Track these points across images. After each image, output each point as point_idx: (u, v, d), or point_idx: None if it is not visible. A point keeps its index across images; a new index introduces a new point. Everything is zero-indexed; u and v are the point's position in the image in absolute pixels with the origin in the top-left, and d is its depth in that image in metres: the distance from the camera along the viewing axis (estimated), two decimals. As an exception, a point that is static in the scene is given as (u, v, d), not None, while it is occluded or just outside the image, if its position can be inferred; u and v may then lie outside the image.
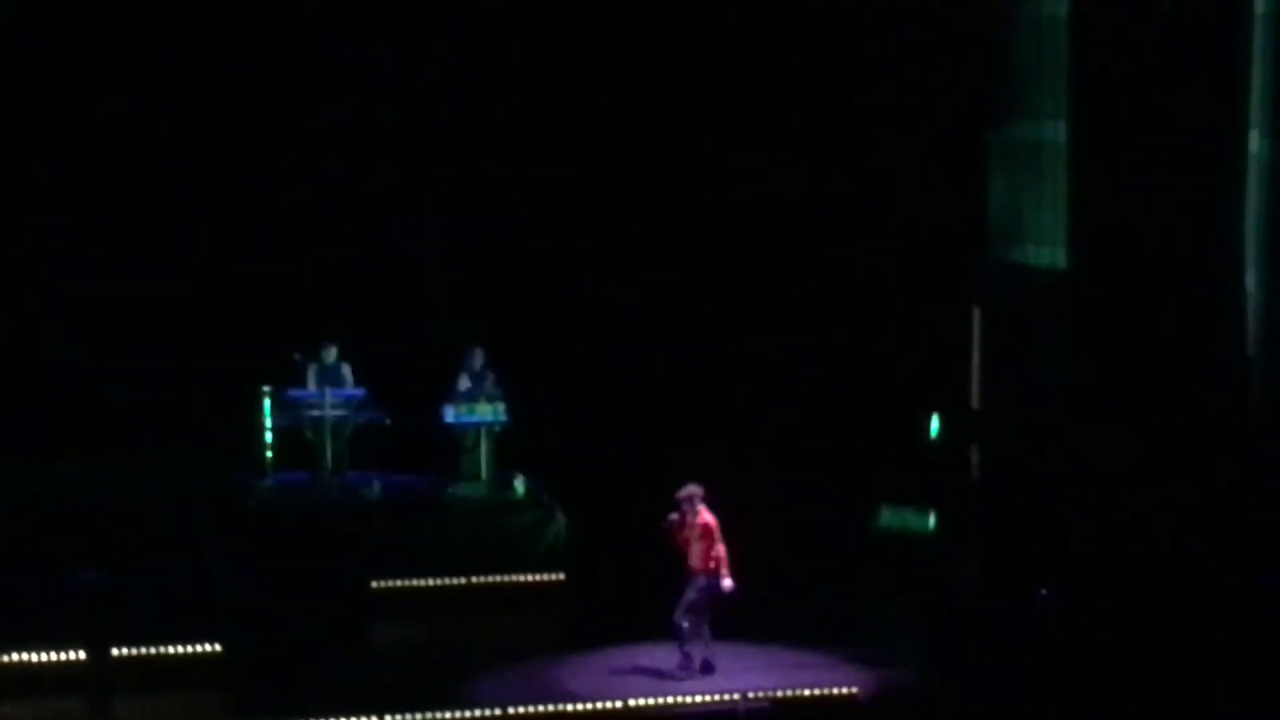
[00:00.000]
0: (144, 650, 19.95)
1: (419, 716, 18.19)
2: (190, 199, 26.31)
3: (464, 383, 24.29)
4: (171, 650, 19.98)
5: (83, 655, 19.87)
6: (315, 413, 24.15)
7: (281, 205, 26.58)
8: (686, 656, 19.65)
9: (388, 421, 24.32)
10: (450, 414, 24.28)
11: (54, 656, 19.77)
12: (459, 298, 26.28)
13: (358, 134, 27.05)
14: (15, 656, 19.67)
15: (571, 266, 26.53)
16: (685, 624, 19.57)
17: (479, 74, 26.74)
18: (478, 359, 24.38)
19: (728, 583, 19.48)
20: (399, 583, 22.72)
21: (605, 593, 22.53)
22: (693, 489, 19.81)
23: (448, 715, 18.23)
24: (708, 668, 19.65)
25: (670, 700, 18.85)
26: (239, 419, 24.40)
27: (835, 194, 26.28)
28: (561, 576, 23.37)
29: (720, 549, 19.57)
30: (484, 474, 24.36)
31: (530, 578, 23.25)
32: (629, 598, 21.50)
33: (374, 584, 22.55)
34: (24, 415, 24.45)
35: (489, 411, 24.31)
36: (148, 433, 24.75)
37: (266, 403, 24.21)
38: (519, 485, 24.32)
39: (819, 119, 26.22)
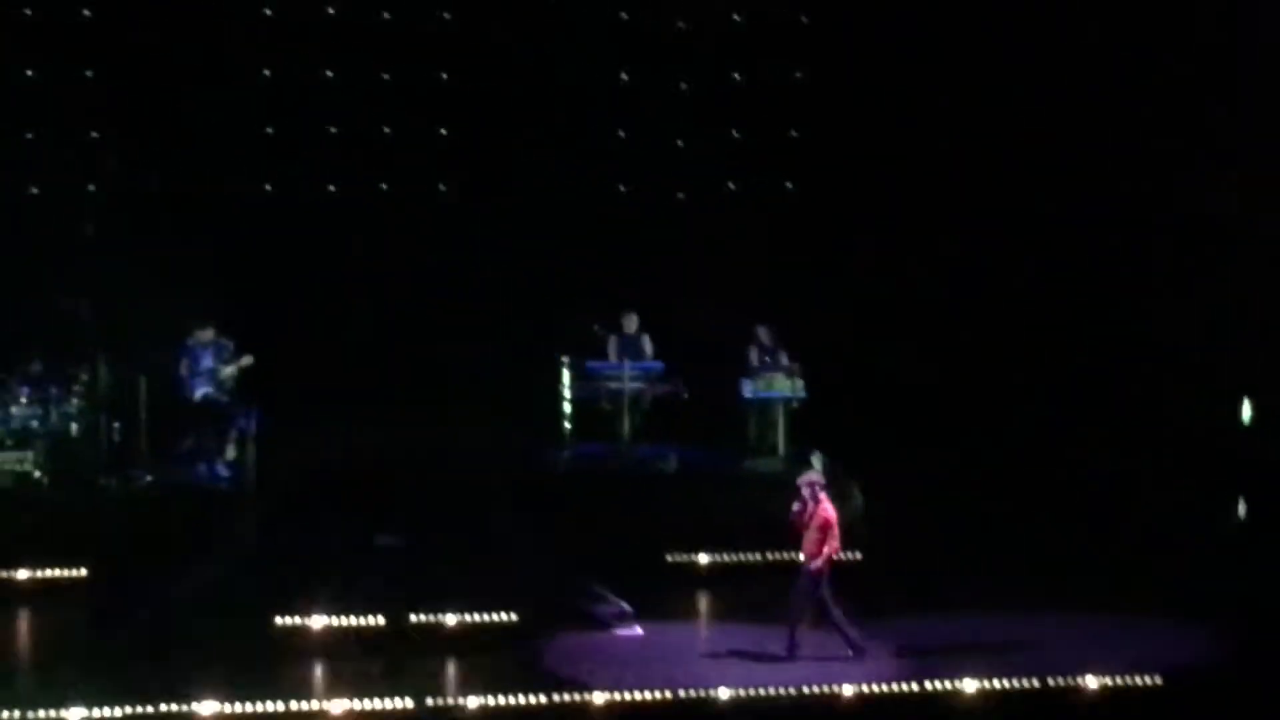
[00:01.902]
0: (441, 617, 20.23)
1: (709, 693, 18.11)
2: (507, 174, 26.62)
3: (754, 357, 24.20)
4: (468, 618, 20.23)
5: (381, 621, 20.22)
6: (614, 384, 24.24)
7: (584, 179, 26.77)
8: (850, 643, 19.16)
9: (685, 394, 24.32)
10: (749, 388, 24.21)
11: (355, 621, 20.15)
12: (752, 273, 26.10)
13: (666, 106, 27.15)
14: (316, 620, 20.09)
15: (871, 243, 26.23)
16: (835, 611, 19.06)
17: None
18: (767, 334, 24.28)
19: (816, 564, 18.94)
20: (693, 556, 22.72)
21: (901, 570, 22.27)
22: (813, 476, 19.39)
23: (740, 694, 18.10)
24: (792, 649, 19.04)
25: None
26: (539, 390, 24.55)
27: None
28: (858, 555, 23.12)
29: (834, 545, 19.05)
30: (780, 449, 24.20)
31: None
32: (923, 576, 21.23)
33: (668, 557, 22.57)
34: (331, 383, 24.96)
35: (787, 387, 24.18)
36: (450, 402, 25.06)
37: (565, 374, 24.33)
38: (816, 461, 24.09)
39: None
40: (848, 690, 18.10)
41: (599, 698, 17.83)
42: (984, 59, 26.30)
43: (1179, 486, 24.16)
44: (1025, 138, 26.22)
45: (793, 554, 22.30)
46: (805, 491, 19.26)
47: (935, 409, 25.46)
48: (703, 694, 18.02)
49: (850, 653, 19.10)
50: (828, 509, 19.17)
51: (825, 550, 19.04)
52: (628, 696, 17.89)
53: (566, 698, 17.85)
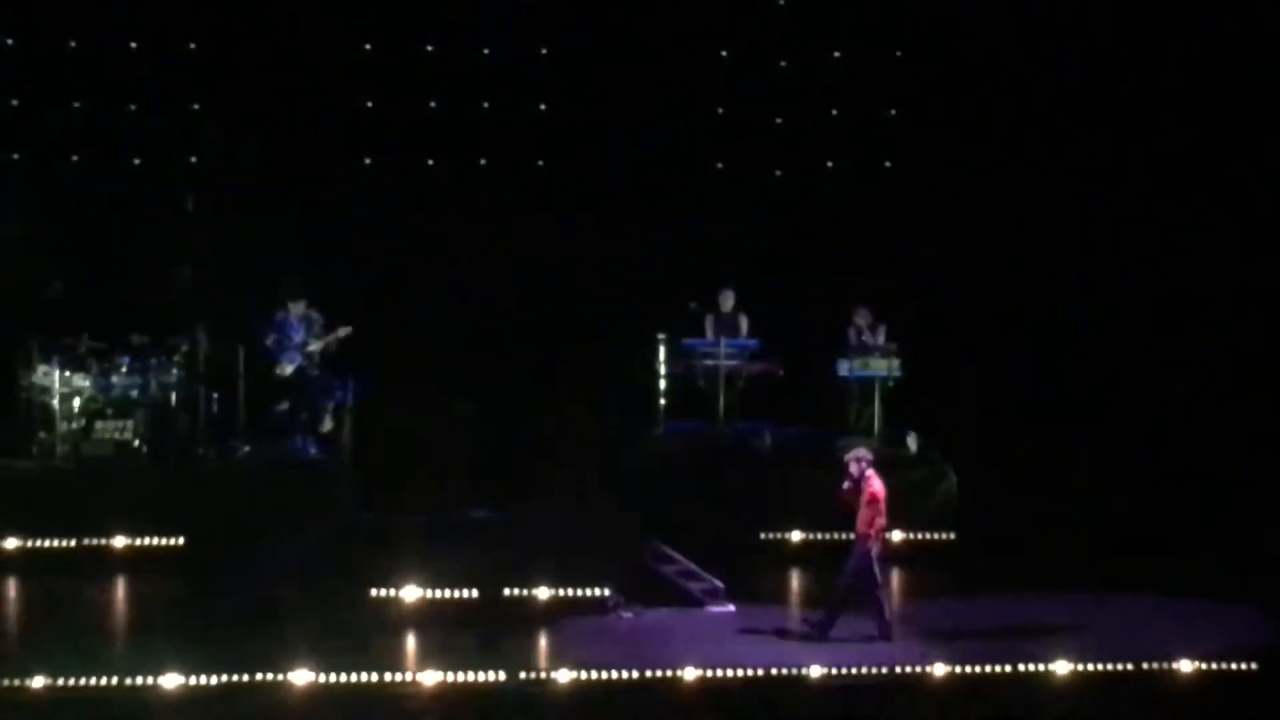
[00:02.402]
0: (534, 591, 20.31)
1: (799, 671, 18.09)
2: (605, 149, 26.68)
3: (852, 337, 24.15)
4: (560, 593, 20.29)
5: (475, 594, 20.30)
6: (709, 361, 24.20)
7: (681, 155, 26.79)
8: (883, 620, 19.02)
9: (781, 372, 24.27)
10: (844, 367, 24.14)
11: (448, 594, 20.24)
12: (851, 252, 26.00)
13: (764, 82, 27.12)
14: (409, 593, 20.20)
15: (969, 222, 26.07)
16: (879, 591, 18.96)
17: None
18: (865, 314, 24.21)
19: (872, 546, 18.83)
20: (787, 535, 22.69)
21: (995, 552, 22.17)
22: (861, 452, 19.27)
23: (830, 672, 18.08)
24: (823, 630, 18.94)
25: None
26: (635, 366, 24.54)
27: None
28: (952, 535, 23.06)
29: (881, 521, 18.91)
30: (876, 429, 24.12)
31: (920, 535, 22.97)
32: (1016, 556, 21.15)
33: (762, 535, 22.55)
34: (429, 356, 25.06)
35: (883, 367, 24.08)
36: (547, 377, 25.10)
37: (662, 350, 24.31)
38: (911, 442, 24.00)
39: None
40: (939, 670, 18.04)
41: (690, 674, 17.84)
42: (1085, 32, 26.08)
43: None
44: (1125, 115, 25.97)
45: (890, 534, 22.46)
46: (853, 468, 19.18)
47: (1031, 389, 25.28)
48: (793, 672, 18.00)
49: (879, 636, 18.98)
50: (876, 484, 19.06)
51: (878, 522, 18.93)
52: (718, 674, 17.90)
53: (658, 674, 17.87)
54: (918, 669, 18.11)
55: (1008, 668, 18.15)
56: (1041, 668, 18.15)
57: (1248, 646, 18.59)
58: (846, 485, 19.20)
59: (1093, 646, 18.55)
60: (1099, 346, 25.72)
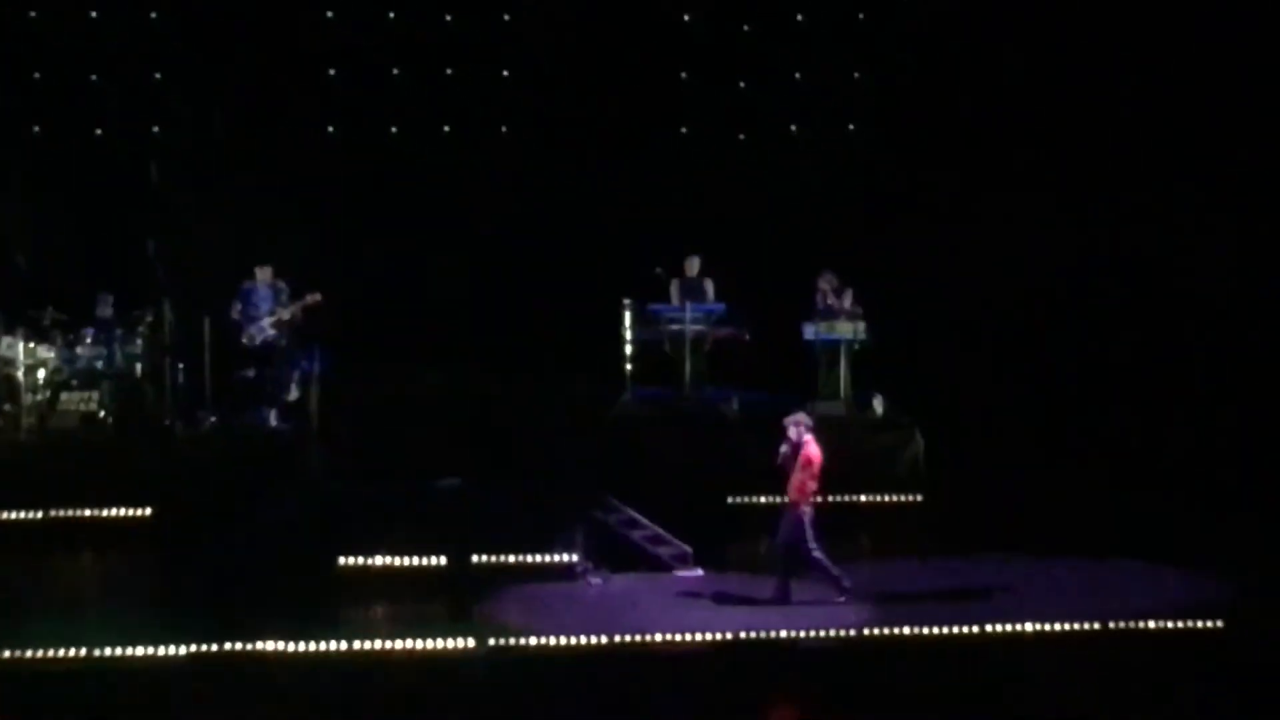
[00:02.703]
0: (502, 558, 20.34)
1: (770, 634, 18.15)
2: (569, 116, 26.63)
3: (818, 301, 24.16)
4: (527, 559, 20.33)
5: (443, 561, 20.32)
6: (675, 327, 24.21)
7: (646, 121, 26.81)
8: (832, 579, 19.00)
9: (747, 337, 24.29)
10: (810, 331, 24.14)
11: (417, 562, 20.27)
12: (816, 216, 25.99)
13: (729, 47, 27.11)
14: (377, 561, 20.21)
15: (935, 184, 26.10)
16: (818, 554, 18.91)
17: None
18: (830, 278, 24.23)
19: (805, 510, 18.85)
20: (755, 499, 22.73)
21: (962, 512, 22.24)
22: (800, 417, 19.26)
23: (803, 635, 18.14)
24: (781, 597, 18.93)
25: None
26: (600, 332, 24.53)
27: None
28: (919, 497, 23.12)
29: (813, 485, 18.91)
30: (843, 393, 24.15)
31: (888, 498, 23.05)
32: (985, 518, 21.21)
33: (729, 499, 22.59)
34: (394, 325, 25.06)
35: (849, 330, 24.09)
36: (512, 343, 25.10)
37: (627, 316, 24.30)
38: (878, 405, 24.06)
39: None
40: (907, 630, 18.11)
41: (658, 639, 17.89)
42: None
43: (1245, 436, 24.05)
44: (1100, 93, 26.02)
45: (851, 497, 22.57)
46: (791, 432, 19.17)
47: (997, 352, 25.35)
48: (762, 635, 18.06)
49: (839, 596, 18.99)
50: (813, 449, 19.05)
51: (808, 489, 18.91)
52: (686, 638, 17.95)
53: (627, 639, 17.91)
54: (885, 631, 18.16)
55: (974, 629, 18.21)
56: (1008, 628, 18.22)
57: (1210, 604, 18.67)
58: (784, 449, 19.18)
59: (1057, 606, 18.62)
60: (1064, 308, 25.78)
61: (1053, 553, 20.72)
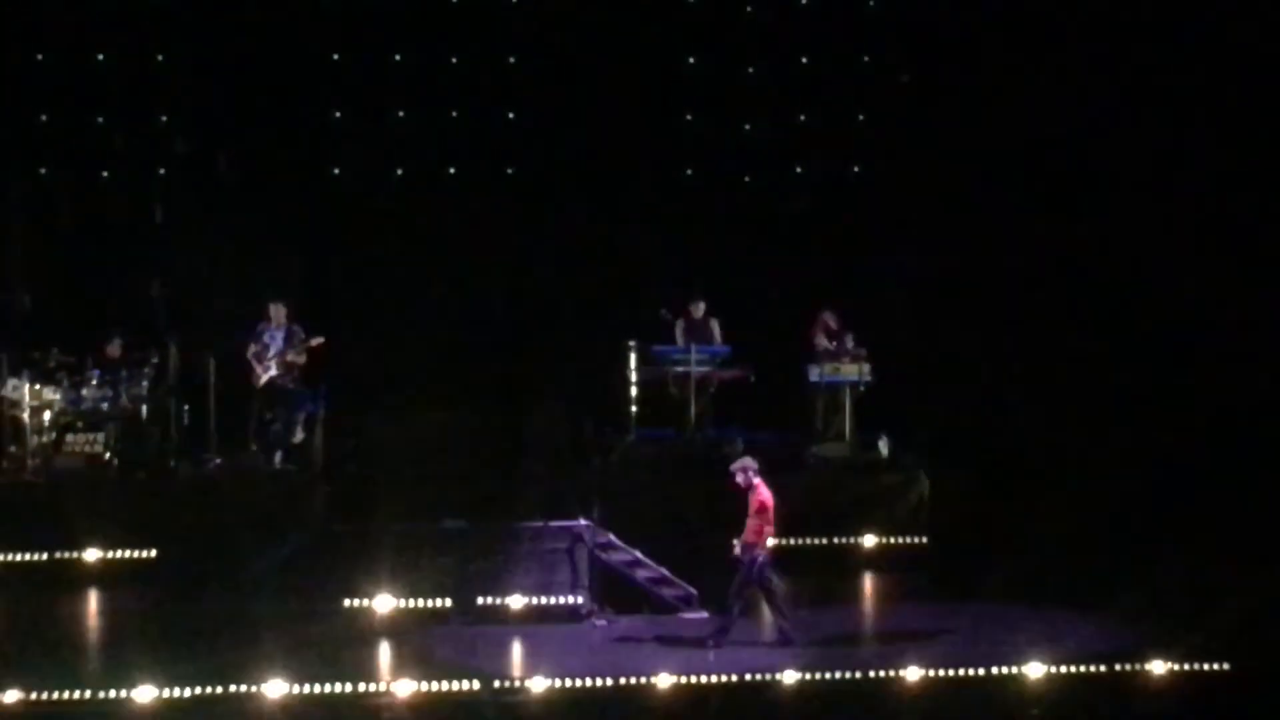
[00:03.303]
0: (506, 600, 20.33)
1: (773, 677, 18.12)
2: (574, 158, 26.69)
3: (821, 342, 24.19)
4: (533, 601, 20.33)
5: (448, 603, 20.33)
6: (680, 368, 24.22)
7: (651, 162, 26.84)
8: (784, 622, 19.02)
9: (751, 378, 24.29)
10: (814, 373, 24.14)
11: (422, 603, 20.25)
12: (819, 257, 26.00)
13: (733, 90, 27.18)
14: (382, 602, 20.21)
15: (937, 226, 26.10)
16: (777, 597, 18.97)
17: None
18: (833, 319, 24.27)
19: (759, 554, 18.82)
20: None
21: (966, 556, 22.21)
22: (746, 462, 19.26)
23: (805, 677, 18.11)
24: (720, 637, 18.94)
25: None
26: (606, 374, 24.52)
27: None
28: (924, 540, 23.10)
29: (769, 529, 18.89)
30: (847, 434, 24.15)
31: (893, 540, 23.02)
32: (990, 562, 21.21)
33: (734, 541, 22.48)
34: (399, 365, 25.06)
35: (854, 371, 24.10)
36: (517, 385, 25.09)
37: (632, 357, 24.30)
38: (883, 446, 24.04)
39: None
40: (913, 674, 18.07)
41: (664, 681, 17.86)
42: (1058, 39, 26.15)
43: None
44: (1087, 121, 26.02)
45: (856, 539, 22.57)
46: (740, 478, 19.19)
47: (1002, 394, 25.31)
48: (767, 678, 18.02)
49: (781, 640, 19.01)
50: (764, 494, 19.05)
51: (764, 534, 18.89)
52: (692, 680, 17.92)
53: (633, 681, 17.88)
54: (891, 673, 18.13)
55: (980, 671, 18.17)
56: (1013, 670, 18.19)
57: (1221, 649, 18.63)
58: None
59: (1065, 649, 18.58)
60: (1071, 348, 25.71)
61: (1057, 596, 20.69)
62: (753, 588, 19.05)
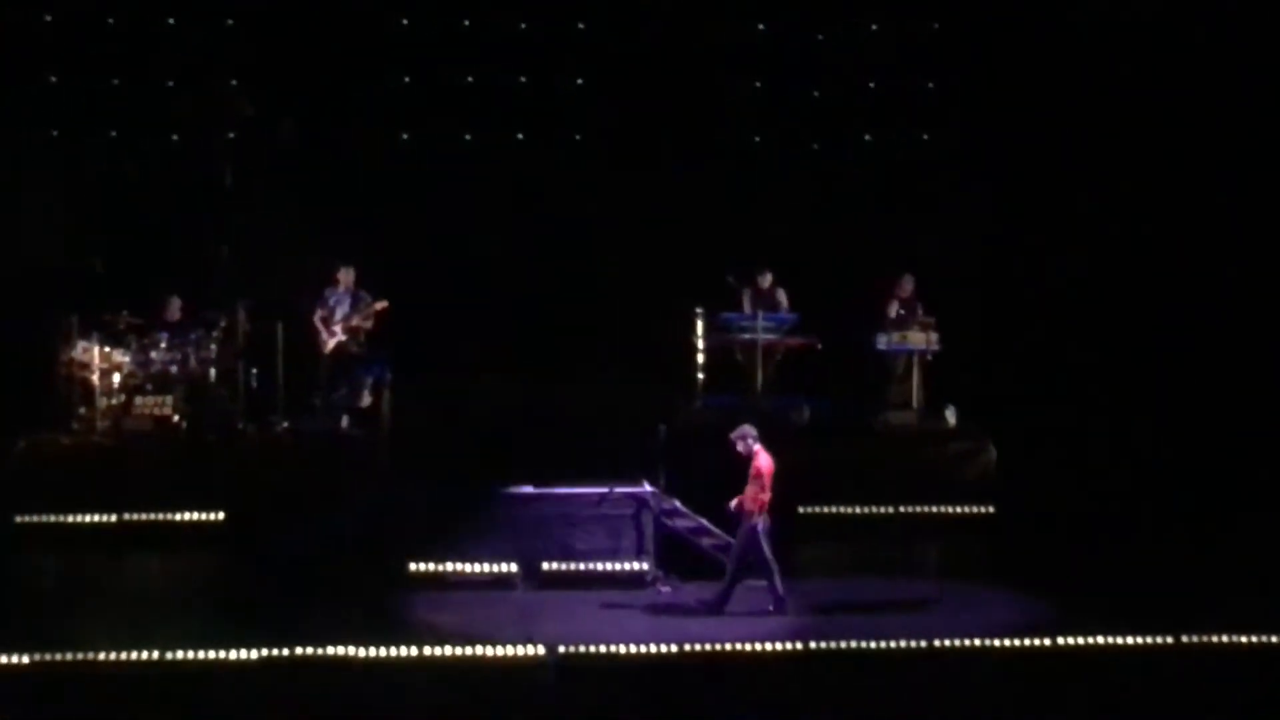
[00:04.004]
0: (570, 565, 20.37)
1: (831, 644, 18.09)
2: (643, 124, 26.61)
3: (894, 309, 24.10)
4: (596, 567, 20.35)
5: (513, 568, 20.35)
6: (747, 335, 24.17)
7: (719, 130, 26.75)
8: (775, 593, 19.00)
9: (819, 346, 24.22)
10: (883, 341, 24.07)
11: (487, 568, 20.30)
12: (890, 226, 25.87)
13: (802, 56, 27.04)
14: (449, 566, 20.26)
15: (1008, 194, 25.95)
16: (771, 564, 18.96)
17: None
18: (906, 287, 24.18)
19: (757, 521, 18.81)
20: (825, 508, 22.67)
21: (1033, 526, 22.12)
22: (746, 429, 19.21)
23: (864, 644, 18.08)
24: (718, 606, 19.00)
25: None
26: (673, 340, 24.49)
27: None
28: (991, 509, 23.02)
29: (765, 496, 18.89)
30: (914, 402, 24.07)
31: (959, 509, 22.95)
32: (1055, 531, 21.11)
33: (800, 509, 22.51)
34: (467, 331, 25.09)
35: (921, 340, 24.01)
36: (584, 351, 25.12)
37: (699, 324, 24.26)
38: (950, 415, 23.95)
39: None
40: (977, 642, 18.00)
41: (728, 648, 17.86)
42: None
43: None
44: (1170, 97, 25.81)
45: (922, 508, 22.51)
46: (740, 447, 19.20)
47: (1070, 362, 25.18)
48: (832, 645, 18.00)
49: (772, 608, 18.98)
50: (763, 460, 19.05)
51: (760, 500, 18.90)
52: (759, 648, 17.91)
53: (698, 648, 17.86)
54: (967, 643, 18.01)
55: (1044, 641, 18.09)
56: (1076, 641, 18.10)
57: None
58: (733, 504, 19.20)
59: (1121, 615, 18.44)
60: (1140, 317, 25.55)
61: (1121, 565, 20.56)
62: (750, 554, 19.05)
